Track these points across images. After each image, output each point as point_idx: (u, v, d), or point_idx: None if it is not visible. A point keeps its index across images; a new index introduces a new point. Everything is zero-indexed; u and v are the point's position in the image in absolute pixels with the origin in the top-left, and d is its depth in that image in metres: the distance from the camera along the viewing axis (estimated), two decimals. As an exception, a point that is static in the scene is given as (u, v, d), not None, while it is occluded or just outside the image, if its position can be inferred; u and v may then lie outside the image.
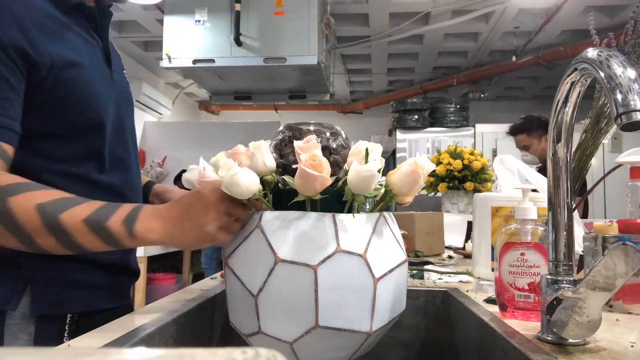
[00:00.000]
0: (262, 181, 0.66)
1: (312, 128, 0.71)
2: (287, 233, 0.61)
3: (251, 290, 0.62)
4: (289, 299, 0.60)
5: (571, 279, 0.58)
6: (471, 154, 2.26)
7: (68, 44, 0.82)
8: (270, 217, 0.63)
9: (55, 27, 0.82)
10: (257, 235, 0.63)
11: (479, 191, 2.19)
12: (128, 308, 0.93)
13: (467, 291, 0.93)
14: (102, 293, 0.88)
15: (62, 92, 0.80)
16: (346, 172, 0.64)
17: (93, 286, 0.87)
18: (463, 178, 2.21)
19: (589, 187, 1.29)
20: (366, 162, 0.63)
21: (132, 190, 0.94)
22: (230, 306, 0.68)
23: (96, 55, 0.90)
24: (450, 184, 2.22)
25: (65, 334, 0.82)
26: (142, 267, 3.02)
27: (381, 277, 0.62)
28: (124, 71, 1.02)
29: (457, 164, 2.20)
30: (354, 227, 0.62)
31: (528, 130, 3.16)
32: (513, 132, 3.24)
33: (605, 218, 1.01)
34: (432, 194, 2.34)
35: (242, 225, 0.68)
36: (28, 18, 0.76)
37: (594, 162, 1.19)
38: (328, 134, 0.71)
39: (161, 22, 3.26)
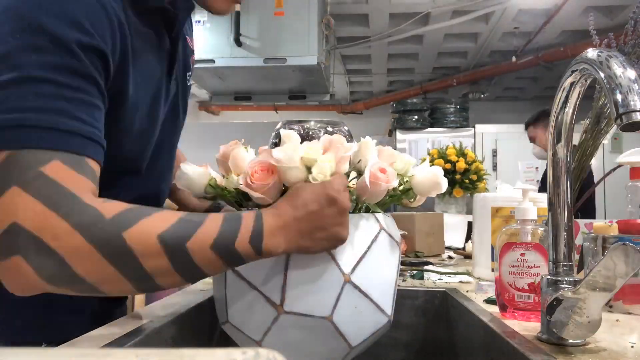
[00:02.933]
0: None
1: (312, 125, 0.71)
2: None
3: (323, 316, 0.59)
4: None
5: (571, 279, 0.58)
6: (462, 155, 2.25)
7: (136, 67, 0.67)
8: None
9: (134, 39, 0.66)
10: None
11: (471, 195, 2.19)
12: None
13: (467, 291, 0.93)
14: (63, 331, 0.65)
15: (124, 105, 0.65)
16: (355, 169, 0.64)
17: (48, 326, 0.71)
18: (457, 180, 2.21)
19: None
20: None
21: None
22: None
23: (155, 82, 0.73)
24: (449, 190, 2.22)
25: None
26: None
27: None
28: (188, 74, 0.87)
29: (461, 164, 2.19)
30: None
31: (533, 122, 3.24)
32: (525, 125, 3.37)
33: (605, 218, 1.01)
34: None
35: None
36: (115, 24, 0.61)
37: (594, 162, 1.19)
38: (330, 130, 0.70)
39: (161, 22, 3.26)
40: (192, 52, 0.89)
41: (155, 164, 0.78)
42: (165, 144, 0.81)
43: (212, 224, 0.56)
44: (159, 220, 0.54)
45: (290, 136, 0.61)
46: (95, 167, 0.57)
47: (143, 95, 0.69)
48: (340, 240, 0.58)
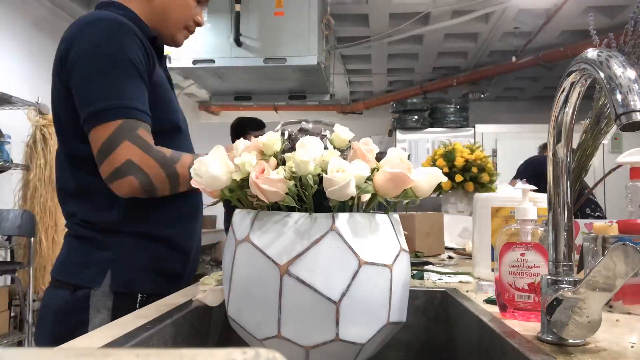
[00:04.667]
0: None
1: (311, 126, 0.71)
2: (365, 235, 0.61)
3: (330, 297, 0.58)
4: (369, 301, 0.60)
5: (571, 279, 0.58)
6: (471, 151, 2.24)
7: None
8: (344, 220, 0.60)
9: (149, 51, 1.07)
10: (333, 239, 0.59)
11: (479, 191, 2.16)
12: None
13: (467, 291, 0.93)
14: (167, 280, 1.08)
15: (156, 96, 1.06)
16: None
17: (161, 273, 1.07)
18: (466, 172, 2.19)
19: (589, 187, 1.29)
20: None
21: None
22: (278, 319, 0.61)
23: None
24: (454, 184, 2.20)
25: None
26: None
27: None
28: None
29: (460, 161, 2.19)
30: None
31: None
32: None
33: (605, 218, 1.02)
34: (436, 194, 2.31)
35: None
36: (143, 39, 1.04)
37: (594, 162, 1.19)
38: (326, 133, 0.71)
39: (161, 22, 3.26)
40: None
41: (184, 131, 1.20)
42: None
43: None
44: (187, 158, 1.04)
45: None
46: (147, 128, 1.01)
47: (165, 86, 1.14)
48: None
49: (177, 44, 1.21)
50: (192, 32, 1.21)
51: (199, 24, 1.19)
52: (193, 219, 1.17)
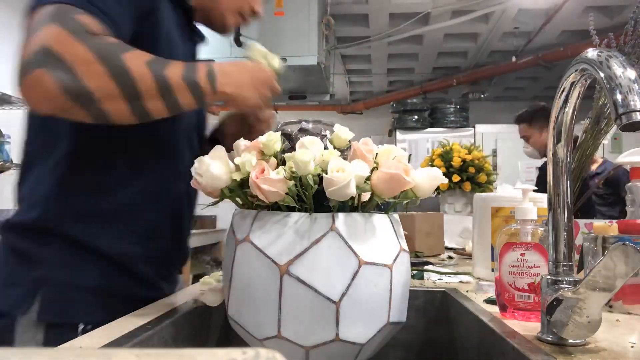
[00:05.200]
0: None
1: (311, 126, 0.71)
2: (365, 235, 0.61)
3: (330, 297, 0.58)
4: (369, 301, 0.60)
5: (571, 279, 0.58)
6: (469, 151, 2.24)
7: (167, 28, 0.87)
8: (344, 221, 0.60)
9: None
10: (333, 239, 0.59)
11: (476, 191, 2.16)
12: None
13: (467, 292, 0.93)
14: (118, 302, 0.78)
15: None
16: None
17: (109, 294, 0.79)
18: (464, 172, 2.19)
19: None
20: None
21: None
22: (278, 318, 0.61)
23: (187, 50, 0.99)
24: (451, 184, 2.20)
25: None
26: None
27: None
28: None
29: (457, 161, 2.19)
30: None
31: (529, 120, 3.03)
32: (517, 120, 3.14)
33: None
34: (435, 194, 2.31)
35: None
36: None
37: (594, 162, 1.19)
38: (326, 133, 0.71)
39: (161, 22, 3.26)
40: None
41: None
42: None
43: (177, 64, 0.72)
44: (140, 54, 0.70)
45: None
46: (109, 27, 0.71)
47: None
48: (258, 101, 0.82)
49: (224, 28, 1.08)
50: (246, 20, 1.07)
51: (255, 13, 1.05)
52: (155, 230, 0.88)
